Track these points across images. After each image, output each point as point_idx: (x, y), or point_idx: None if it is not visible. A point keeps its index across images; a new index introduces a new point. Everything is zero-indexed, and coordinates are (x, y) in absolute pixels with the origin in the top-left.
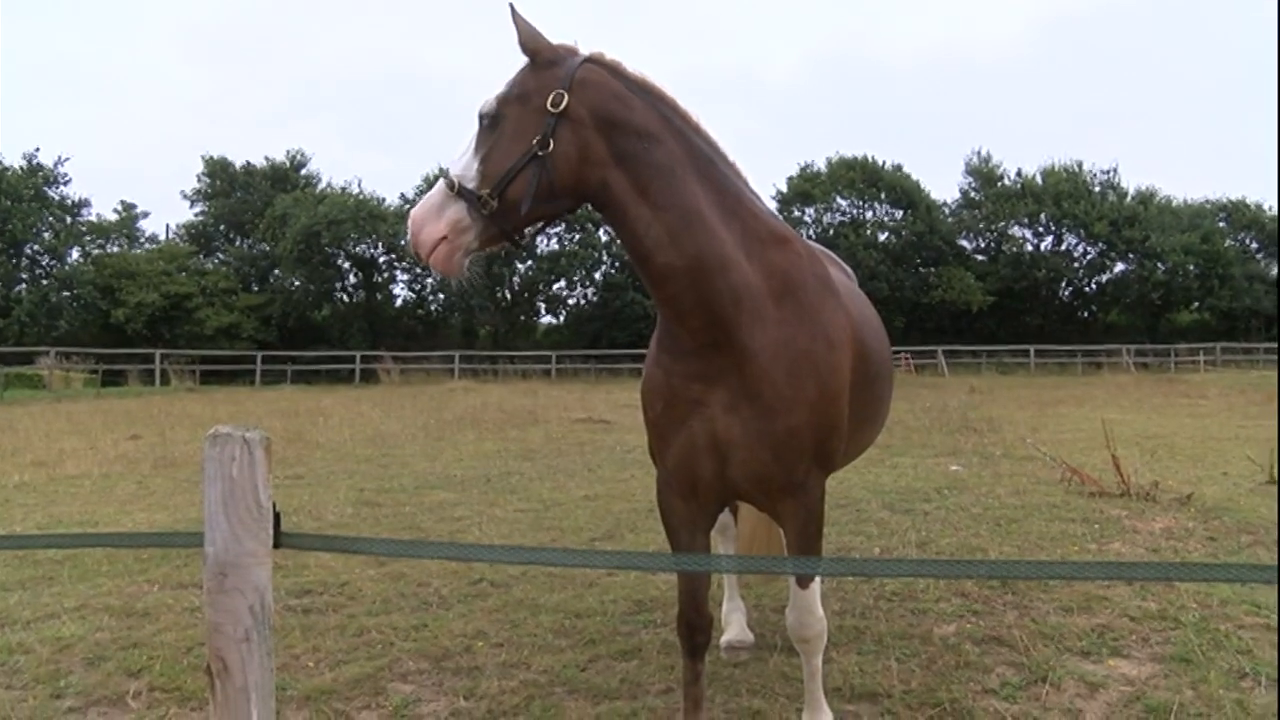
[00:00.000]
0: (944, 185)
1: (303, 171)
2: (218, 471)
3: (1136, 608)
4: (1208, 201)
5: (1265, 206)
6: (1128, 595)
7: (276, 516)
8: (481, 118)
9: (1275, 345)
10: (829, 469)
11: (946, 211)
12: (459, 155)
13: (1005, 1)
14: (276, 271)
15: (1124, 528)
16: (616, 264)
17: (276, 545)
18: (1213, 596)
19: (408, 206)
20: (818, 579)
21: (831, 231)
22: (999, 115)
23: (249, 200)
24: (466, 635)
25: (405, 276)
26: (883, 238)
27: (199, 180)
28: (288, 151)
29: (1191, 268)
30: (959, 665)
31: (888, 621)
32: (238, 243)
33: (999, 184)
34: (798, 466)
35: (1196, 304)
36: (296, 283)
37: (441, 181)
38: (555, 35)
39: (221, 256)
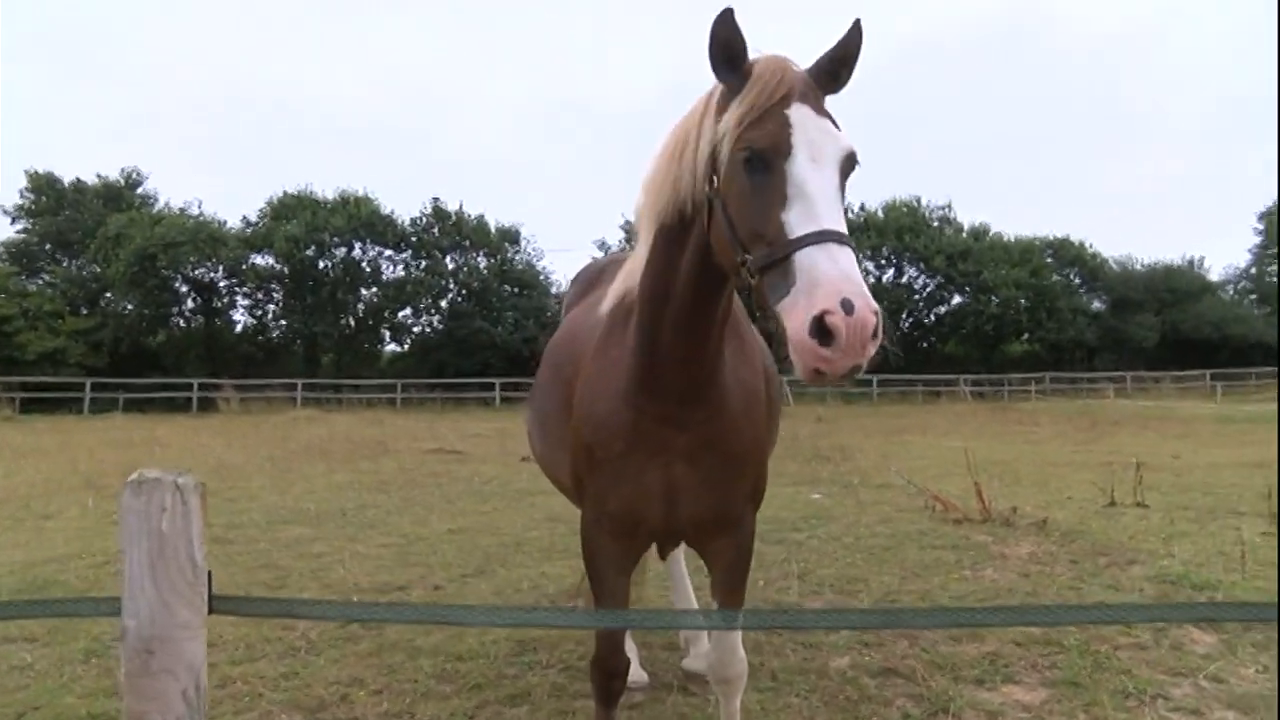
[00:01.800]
0: None
1: (139, 190)
2: (143, 526)
3: (1021, 634)
4: (1035, 238)
5: (1087, 244)
6: None
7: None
8: (855, 164)
9: (1099, 375)
10: (760, 502)
11: None
12: (835, 206)
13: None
14: (108, 294)
15: (992, 554)
16: (463, 292)
17: (210, 612)
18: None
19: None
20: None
21: None
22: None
23: (79, 219)
24: (341, 683)
25: (246, 301)
26: None
27: (22, 196)
28: (122, 169)
29: (1022, 301)
30: (860, 699)
31: (780, 656)
32: (65, 263)
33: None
34: (740, 504)
35: (1026, 335)
36: (130, 306)
37: (849, 248)
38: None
39: (46, 277)
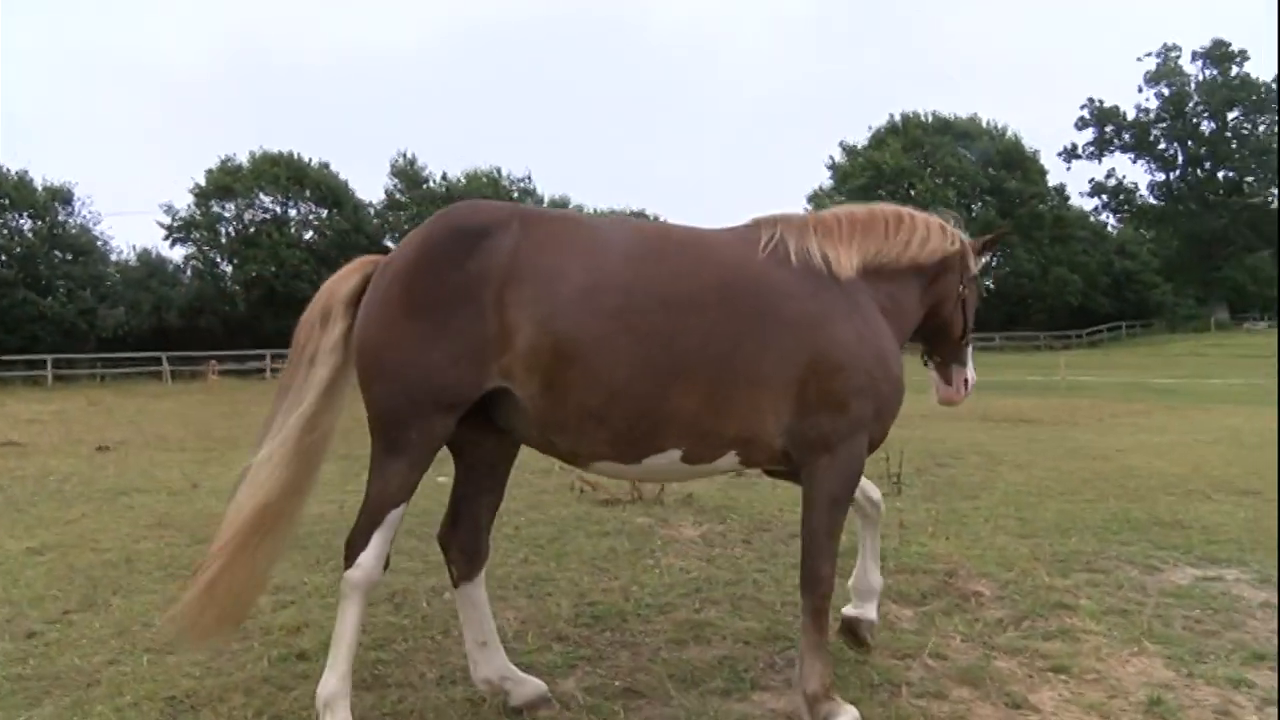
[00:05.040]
0: (371, 186)
1: None
2: None
3: (745, 630)
4: (613, 211)
5: (660, 218)
6: (725, 615)
7: None
8: None
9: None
10: None
11: (373, 212)
12: None
13: (411, 13)
14: None
15: (665, 538)
16: (4, 258)
17: None
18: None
19: None
20: None
21: (253, 229)
22: (423, 121)
23: None
24: None
25: None
26: (307, 236)
27: None
28: None
29: None
30: None
31: None
32: None
33: (424, 186)
34: None
35: None
36: None
37: None
38: None
39: None
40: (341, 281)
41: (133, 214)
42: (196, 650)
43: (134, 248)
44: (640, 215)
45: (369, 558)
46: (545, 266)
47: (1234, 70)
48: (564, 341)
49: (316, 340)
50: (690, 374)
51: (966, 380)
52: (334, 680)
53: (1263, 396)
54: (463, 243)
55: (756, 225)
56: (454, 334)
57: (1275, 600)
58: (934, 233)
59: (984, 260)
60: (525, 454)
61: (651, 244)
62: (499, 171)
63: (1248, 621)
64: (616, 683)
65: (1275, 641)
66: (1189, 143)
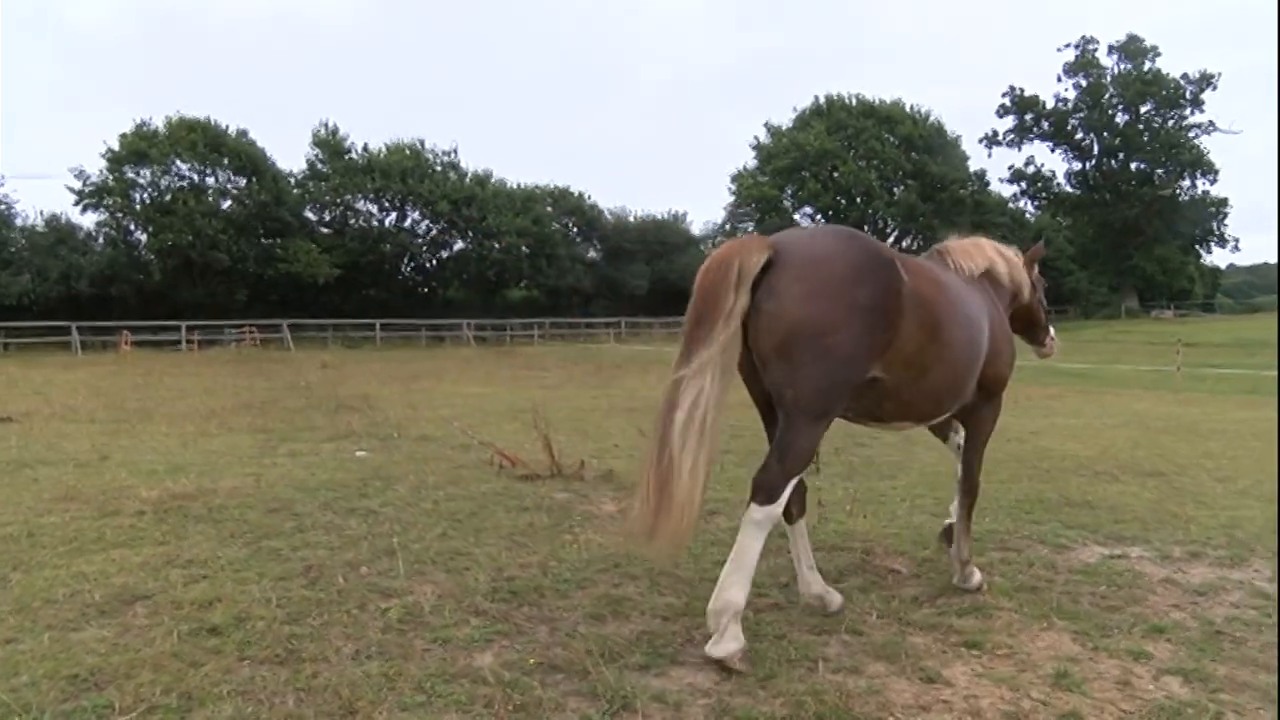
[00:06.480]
0: (292, 155)
1: None
2: None
3: (665, 605)
4: (537, 187)
5: (585, 195)
6: (643, 590)
7: None
8: None
9: (596, 320)
10: None
11: (293, 182)
12: None
13: None
14: None
15: (584, 514)
16: None
17: None
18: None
19: None
20: None
21: (169, 197)
22: (346, 90)
23: None
24: None
25: None
26: (225, 206)
27: None
28: None
29: (524, 248)
30: (529, 705)
31: (413, 659)
32: None
33: (346, 157)
34: None
35: (526, 281)
36: None
37: None
38: None
39: None
40: (751, 253)
41: (40, 178)
42: (657, 558)
43: (41, 213)
44: (565, 193)
45: (786, 497)
46: (926, 296)
47: (1147, 65)
48: (944, 348)
49: (729, 302)
50: (978, 365)
51: (1051, 337)
52: (740, 593)
53: (1166, 382)
54: (884, 269)
55: (937, 253)
56: (873, 335)
57: (1275, 594)
58: (1013, 262)
59: (1037, 270)
60: (442, 431)
61: (954, 279)
62: (422, 144)
63: (1148, 597)
64: (534, 658)
65: (1175, 618)
66: (1104, 133)
